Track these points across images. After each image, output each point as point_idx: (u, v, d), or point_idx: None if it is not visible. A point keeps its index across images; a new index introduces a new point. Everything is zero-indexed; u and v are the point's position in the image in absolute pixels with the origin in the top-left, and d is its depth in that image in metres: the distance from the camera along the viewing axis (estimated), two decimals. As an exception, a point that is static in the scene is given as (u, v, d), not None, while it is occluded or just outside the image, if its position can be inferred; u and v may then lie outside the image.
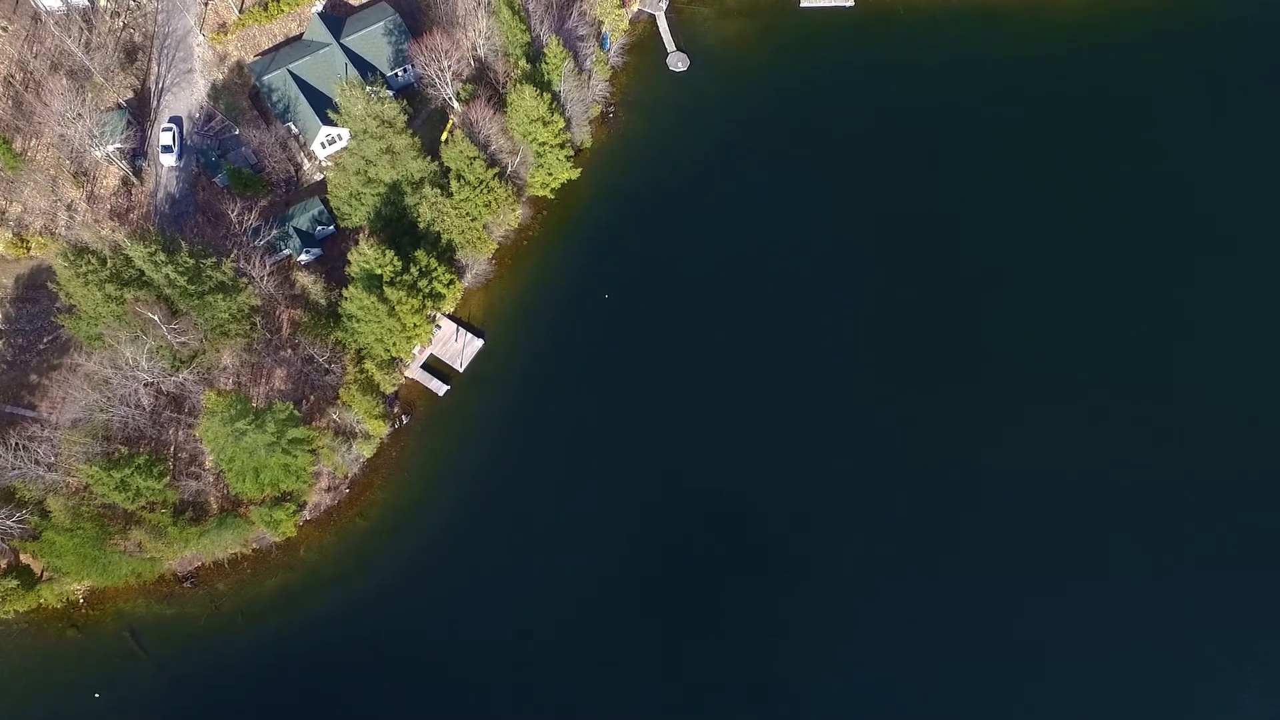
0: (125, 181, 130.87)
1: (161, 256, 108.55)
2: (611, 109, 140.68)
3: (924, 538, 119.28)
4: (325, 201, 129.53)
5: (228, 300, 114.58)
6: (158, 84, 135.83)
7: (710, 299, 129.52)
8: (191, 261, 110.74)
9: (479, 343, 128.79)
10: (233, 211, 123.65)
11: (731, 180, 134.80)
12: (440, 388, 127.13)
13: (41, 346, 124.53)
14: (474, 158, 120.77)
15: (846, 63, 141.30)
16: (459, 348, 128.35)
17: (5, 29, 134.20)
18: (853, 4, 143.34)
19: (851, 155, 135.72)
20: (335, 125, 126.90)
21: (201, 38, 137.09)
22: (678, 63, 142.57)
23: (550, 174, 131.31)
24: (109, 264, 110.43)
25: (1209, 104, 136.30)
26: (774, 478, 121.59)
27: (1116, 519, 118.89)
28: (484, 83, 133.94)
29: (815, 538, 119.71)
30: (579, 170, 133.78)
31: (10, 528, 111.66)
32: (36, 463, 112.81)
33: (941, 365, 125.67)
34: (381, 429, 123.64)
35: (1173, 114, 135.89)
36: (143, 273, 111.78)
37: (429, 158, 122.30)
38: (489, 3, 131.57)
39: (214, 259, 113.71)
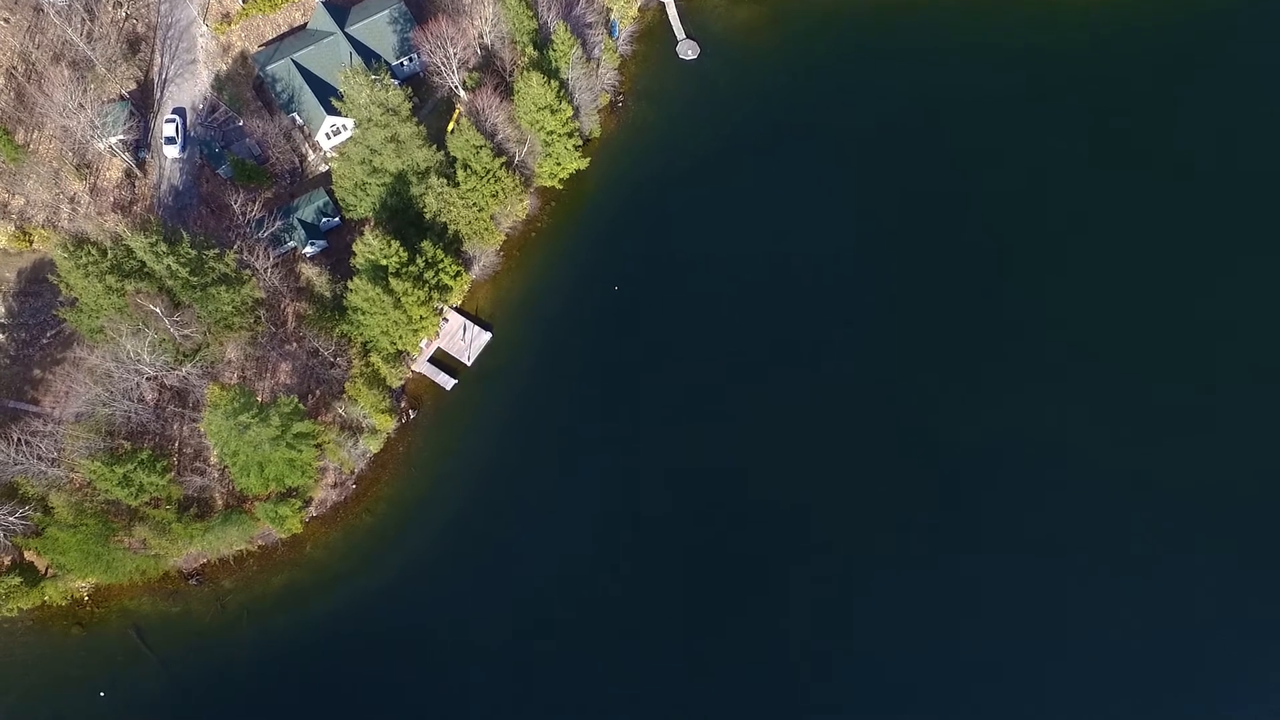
0: (128, 174, 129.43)
1: (163, 247, 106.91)
2: (620, 98, 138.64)
3: (942, 532, 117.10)
4: (330, 193, 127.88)
5: (231, 292, 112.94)
6: (161, 75, 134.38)
7: (722, 290, 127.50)
8: (193, 253, 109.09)
9: (486, 336, 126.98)
10: (235, 203, 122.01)
11: (743, 170, 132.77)
12: (447, 382, 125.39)
13: (44, 341, 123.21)
14: (480, 146, 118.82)
15: (859, 50, 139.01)
16: (466, 341, 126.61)
17: (7, 20, 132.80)
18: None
19: (864, 144, 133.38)
20: (340, 115, 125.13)
21: (205, 28, 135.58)
22: (687, 51, 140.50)
23: (558, 164, 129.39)
24: (109, 255, 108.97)
25: (1226, 89, 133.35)
26: (788, 471, 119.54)
27: (1145, 513, 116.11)
28: (490, 71, 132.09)
29: (830, 532, 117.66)
30: (587, 160, 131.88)
31: (13, 524, 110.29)
32: (39, 458, 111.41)
33: (959, 355, 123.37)
34: (388, 424, 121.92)
35: (1190, 100, 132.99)
36: (144, 264, 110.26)
37: (435, 147, 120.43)
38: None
39: (216, 250, 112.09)
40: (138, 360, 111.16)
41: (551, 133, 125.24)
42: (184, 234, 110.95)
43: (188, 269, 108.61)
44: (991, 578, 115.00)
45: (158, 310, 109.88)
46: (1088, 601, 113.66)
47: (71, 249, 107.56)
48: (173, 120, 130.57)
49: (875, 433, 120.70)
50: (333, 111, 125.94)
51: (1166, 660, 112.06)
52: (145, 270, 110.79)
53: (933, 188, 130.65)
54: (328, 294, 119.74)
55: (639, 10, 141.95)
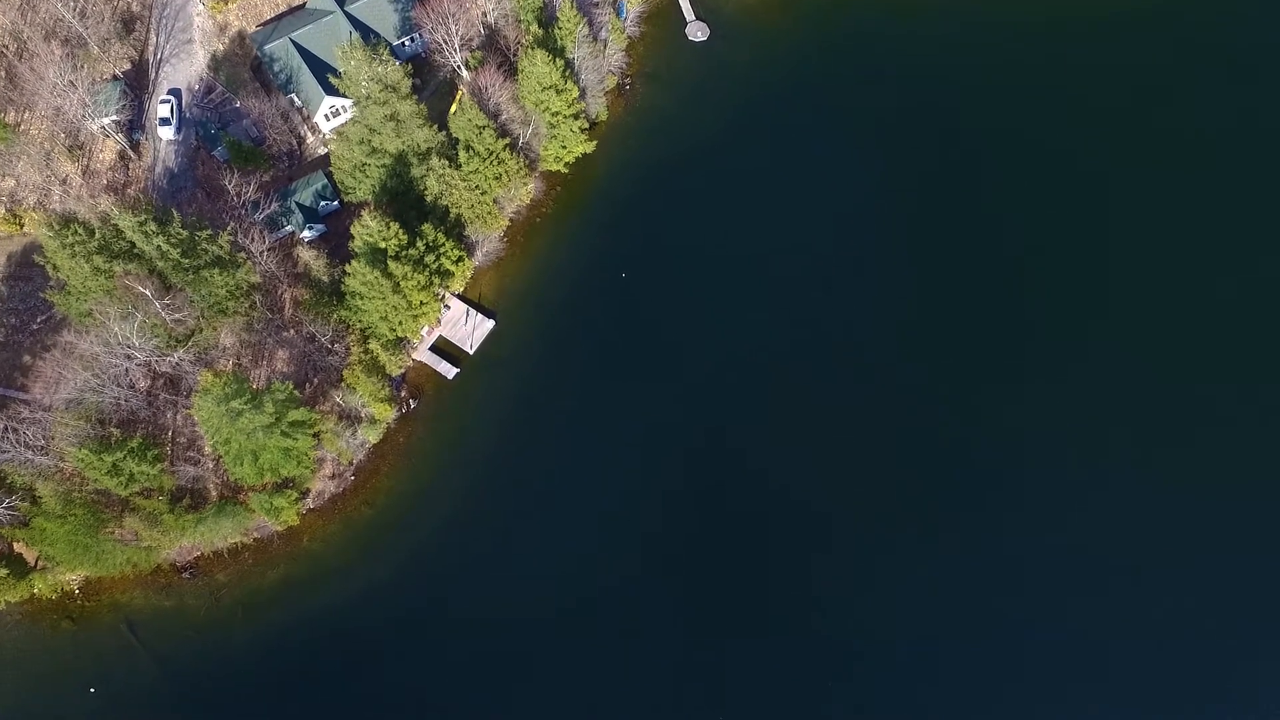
0: (122, 155, 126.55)
1: (152, 227, 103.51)
2: (628, 80, 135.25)
3: (956, 532, 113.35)
4: (329, 176, 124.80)
5: (225, 276, 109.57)
6: (156, 55, 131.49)
7: (731, 278, 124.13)
8: (185, 233, 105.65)
9: (490, 324, 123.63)
10: (230, 184, 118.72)
11: (754, 155, 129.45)
12: (449, 370, 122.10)
13: (35, 326, 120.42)
14: (483, 127, 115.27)
15: (873, 30, 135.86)
16: (469, 329, 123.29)
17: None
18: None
19: (878, 128, 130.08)
20: (339, 95, 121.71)
21: (201, 7, 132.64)
22: (697, 32, 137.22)
23: (564, 147, 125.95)
24: (97, 235, 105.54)
25: (1253, 69, 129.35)
26: (799, 465, 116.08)
27: (1170, 516, 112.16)
28: (494, 50, 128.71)
29: (837, 527, 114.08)
30: (594, 144, 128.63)
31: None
32: (25, 446, 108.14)
33: (979, 345, 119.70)
34: (388, 413, 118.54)
35: (1218, 80, 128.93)
36: (133, 245, 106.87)
37: (436, 127, 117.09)
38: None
39: (209, 232, 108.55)
40: (127, 345, 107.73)
41: (556, 114, 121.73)
42: (175, 214, 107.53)
43: (179, 250, 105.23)
44: (1007, 578, 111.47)
45: (147, 293, 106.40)
46: (1114, 601, 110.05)
47: (57, 228, 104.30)
48: (168, 101, 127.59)
49: (888, 425, 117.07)
50: (332, 92, 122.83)
51: (1196, 662, 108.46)
52: (135, 251, 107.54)
53: (949, 172, 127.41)
54: (325, 279, 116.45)
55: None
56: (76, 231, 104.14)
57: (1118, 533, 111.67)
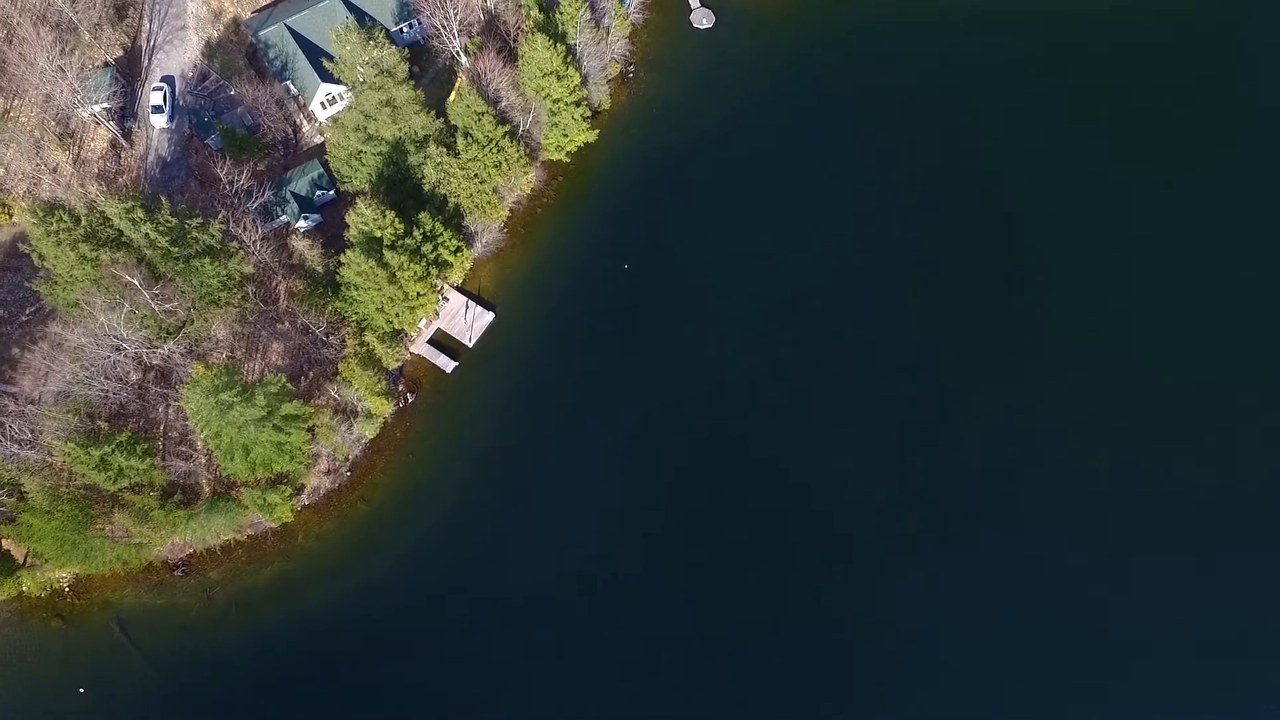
0: (114, 144, 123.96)
1: (140, 214, 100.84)
2: (631, 69, 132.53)
3: (952, 531, 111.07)
4: (325, 165, 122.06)
5: (216, 265, 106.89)
6: (149, 42, 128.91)
7: (734, 269, 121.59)
8: (174, 221, 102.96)
9: (489, 316, 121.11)
10: (223, 172, 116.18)
11: (759, 144, 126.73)
12: (448, 364, 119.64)
13: (24, 318, 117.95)
14: (482, 113, 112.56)
15: (881, 17, 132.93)
16: (468, 321, 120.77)
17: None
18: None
19: (886, 116, 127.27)
20: (335, 82, 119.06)
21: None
22: (702, 19, 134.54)
23: (565, 135, 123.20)
24: (83, 222, 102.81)
25: (1265, 57, 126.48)
26: (803, 460, 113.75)
27: (1175, 515, 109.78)
28: (493, 35, 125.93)
29: (839, 521, 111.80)
30: (596, 133, 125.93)
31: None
32: (12, 440, 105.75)
33: (984, 335, 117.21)
34: (384, 407, 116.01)
35: (1241, 72, 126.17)
36: (121, 233, 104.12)
37: (433, 114, 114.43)
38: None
39: (200, 220, 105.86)
40: (115, 335, 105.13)
41: (558, 101, 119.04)
42: (164, 201, 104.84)
43: (167, 238, 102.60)
44: (1008, 576, 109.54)
45: (135, 281, 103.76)
46: (1117, 601, 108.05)
47: (42, 215, 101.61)
48: (160, 89, 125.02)
49: (893, 419, 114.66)
50: (328, 79, 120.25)
51: (1198, 661, 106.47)
52: (122, 239, 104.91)
53: (958, 163, 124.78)
54: (320, 269, 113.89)
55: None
56: (62, 218, 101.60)
57: (1120, 532, 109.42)
